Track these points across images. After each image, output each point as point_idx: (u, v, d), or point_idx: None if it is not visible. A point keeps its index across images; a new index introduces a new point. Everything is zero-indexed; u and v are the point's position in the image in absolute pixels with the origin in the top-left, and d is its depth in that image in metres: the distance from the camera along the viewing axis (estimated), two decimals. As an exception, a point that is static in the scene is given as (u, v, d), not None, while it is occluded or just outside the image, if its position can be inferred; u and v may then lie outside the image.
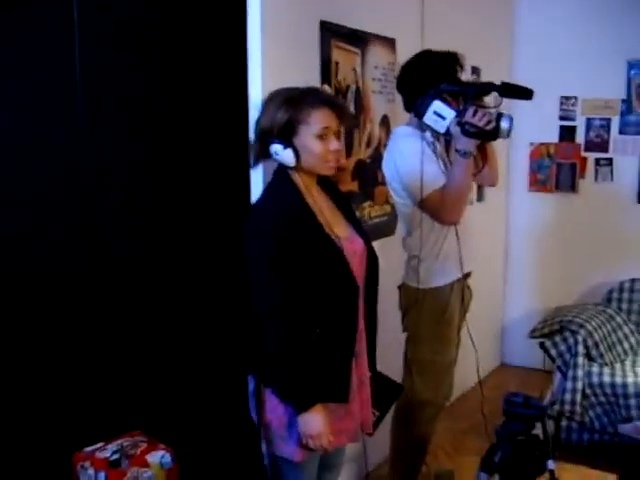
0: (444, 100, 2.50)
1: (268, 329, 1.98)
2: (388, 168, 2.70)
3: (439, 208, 2.57)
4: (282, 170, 2.07)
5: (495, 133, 2.48)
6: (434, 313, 2.73)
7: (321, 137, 1.99)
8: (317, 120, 1.98)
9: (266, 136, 2.00)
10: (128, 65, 2.29)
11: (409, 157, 2.58)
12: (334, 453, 2.25)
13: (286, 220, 1.96)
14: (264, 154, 2.06)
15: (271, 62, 2.42)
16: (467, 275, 2.82)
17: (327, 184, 2.20)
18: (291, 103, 1.98)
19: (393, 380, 2.41)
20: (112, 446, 2.15)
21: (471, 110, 2.42)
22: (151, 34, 2.35)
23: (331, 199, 2.19)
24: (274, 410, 2.05)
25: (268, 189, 2.11)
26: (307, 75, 2.64)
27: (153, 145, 2.40)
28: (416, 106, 2.53)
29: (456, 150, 2.49)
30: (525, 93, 2.50)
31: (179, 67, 2.40)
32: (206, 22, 2.45)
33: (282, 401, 2.03)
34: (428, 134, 2.63)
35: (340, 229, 2.11)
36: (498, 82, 2.54)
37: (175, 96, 2.42)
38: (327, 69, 2.74)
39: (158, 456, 2.15)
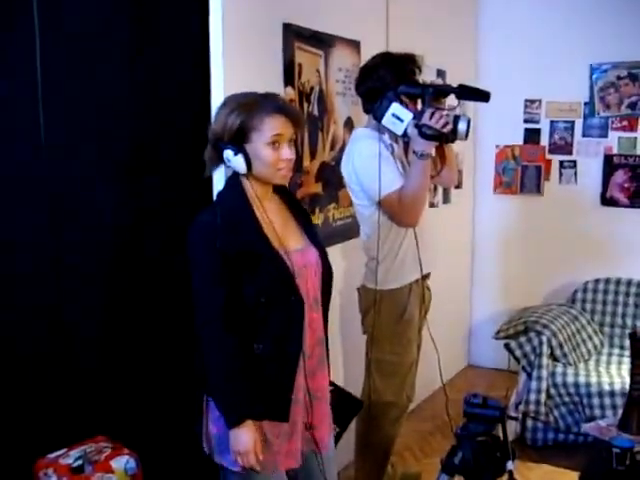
0: (402, 102, 2.51)
1: (205, 342, 1.91)
2: (346, 170, 2.71)
3: (397, 210, 2.59)
4: (235, 178, 2.00)
5: (452, 135, 2.51)
6: (393, 314, 2.74)
7: (273, 144, 1.93)
8: (269, 127, 1.92)
9: (218, 142, 1.95)
10: (89, 73, 2.28)
11: (367, 159, 2.59)
12: (308, 470, 2.12)
13: (230, 232, 1.90)
14: (218, 160, 1.99)
15: (233, 64, 2.41)
16: (426, 276, 2.83)
17: (284, 193, 2.13)
18: (244, 109, 1.92)
19: (353, 395, 2.35)
20: (75, 452, 2.13)
21: (428, 112, 2.45)
22: (114, 42, 2.34)
23: (287, 208, 2.11)
24: (218, 420, 1.97)
25: (217, 197, 2.05)
26: (270, 77, 2.64)
27: (115, 153, 2.39)
28: (374, 109, 2.55)
29: (414, 152, 2.51)
30: (482, 95, 2.52)
31: (141, 73, 2.39)
32: (168, 24, 2.43)
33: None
34: (386, 136, 2.64)
35: (293, 241, 2.04)
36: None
37: (138, 100, 2.40)
38: (290, 71, 2.74)
39: (122, 461, 2.13)
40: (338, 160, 3.13)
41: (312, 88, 2.90)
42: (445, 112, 2.51)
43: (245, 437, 1.88)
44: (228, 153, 1.92)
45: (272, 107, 1.94)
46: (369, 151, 2.59)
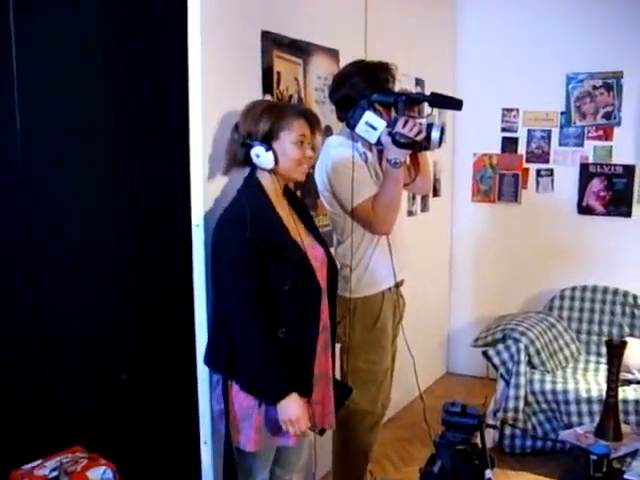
0: (376, 111, 2.52)
1: (237, 327, 2.10)
2: (320, 177, 2.72)
3: (370, 218, 2.60)
4: (253, 177, 2.22)
5: (426, 143, 2.52)
6: (366, 322, 2.73)
7: (298, 144, 2.19)
8: (297, 127, 2.18)
9: (248, 139, 2.16)
10: (66, 81, 2.26)
11: (340, 167, 2.60)
12: (288, 450, 2.37)
13: (256, 224, 2.08)
14: (242, 159, 2.20)
15: (212, 72, 2.39)
16: (400, 283, 2.83)
17: (288, 194, 2.35)
18: (274, 110, 2.19)
19: (342, 382, 2.56)
20: (51, 463, 2.11)
21: (402, 121, 2.45)
22: (92, 45, 2.33)
23: (292, 208, 2.33)
24: (232, 402, 2.17)
25: (239, 194, 2.22)
26: (249, 85, 2.63)
27: (95, 159, 2.37)
28: (348, 117, 2.55)
29: (387, 160, 2.52)
30: (455, 104, 2.53)
31: (120, 79, 2.38)
32: (146, 31, 2.42)
33: (239, 394, 2.15)
34: (360, 144, 2.64)
35: (304, 236, 2.27)
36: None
37: (115, 108, 2.39)
38: (269, 78, 2.73)
39: (99, 472, 2.12)
40: (317, 168, 3.14)
41: (291, 96, 2.89)
42: (418, 120, 2.52)
43: (294, 406, 2.09)
44: (259, 149, 2.15)
45: (298, 111, 2.24)
46: (342, 159, 2.59)
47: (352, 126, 2.53)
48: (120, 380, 2.49)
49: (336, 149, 2.66)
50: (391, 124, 2.47)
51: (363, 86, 2.57)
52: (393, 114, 2.55)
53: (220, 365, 2.23)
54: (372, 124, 2.50)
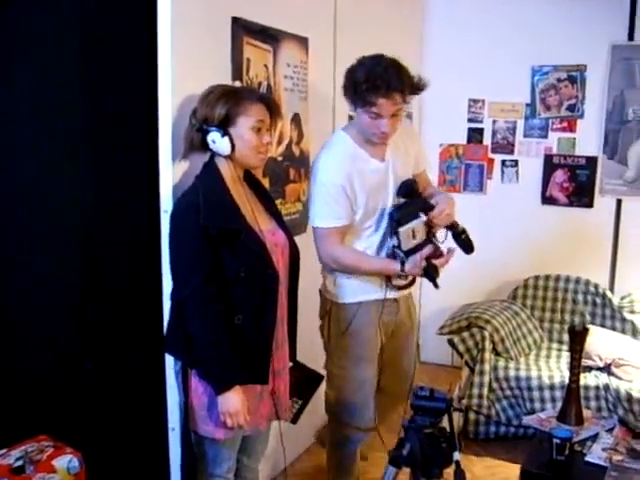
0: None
1: (191, 314, 2.08)
2: (312, 170, 2.65)
3: (319, 246, 2.58)
4: (211, 162, 2.19)
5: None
6: (338, 327, 2.70)
7: (256, 130, 2.15)
8: (254, 113, 2.14)
9: (205, 125, 2.12)
10: (29, 66, 2.23)
11: (318, 179, 2.54)
12: (255, 439, 2.41)
13: (209, 210, 2.06)
14: (198, 145, 2.17)
15: (181, 58, 2.38)
16: (407, 285, 2.74)
17: (250, 179, 2.32)
18: (232, 95, 2.15)
19: (313, 370, 2.54)
20: (16, 452, 2.08)
21: (443, 260, 2.52)
22: (60, 31, 2.29)
23: (254, 193, 2.31)
24: (195, 391, 2.17)
25: (197, 179, 2.19)
26: (218, 71, 2.62)
27: (60, 144, 2.34)
28: (399, 214, 2.51)
29: (401, 268, 2.49)
30: (468, 248, 2.69)
31: (84, 66, 2.34)
32: (114, 15, 2.39)
33: (202, 381, 2.15)
34: (362, 151, 2.56)
35: (263, 222, 2.24)
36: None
37: (80, 94, 2.35)
38: (238, 65, 2.72)
39: (65, 461, 2.10)
40: (285, 156, 3.14)
41: (260, 83, 2.88)
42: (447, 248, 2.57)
43: (234, 399, 2.08)
44: (215, 135, 2.12)
45: (257, 96, 2.21)
46: (326, 173, 2.52)
47: (398, 223, 2.49)
48: (85, 368, 2.46)
49: (329, 155, 2.58)
50: (432, 244, 2.51)
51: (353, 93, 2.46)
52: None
53: (180, 352, 2.23)
54: (415, 233, 2.50)
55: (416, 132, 2.81)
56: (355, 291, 2.65)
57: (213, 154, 2.21)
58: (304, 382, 2.46)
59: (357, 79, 2.40)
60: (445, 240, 2.58)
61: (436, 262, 2.46)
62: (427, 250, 2.45)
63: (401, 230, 2.47)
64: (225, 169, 2.19)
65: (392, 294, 2.67)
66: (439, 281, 2.52)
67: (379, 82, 2.36)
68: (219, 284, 2.08)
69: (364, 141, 2.57)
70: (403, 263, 2.46)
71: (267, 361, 2.20)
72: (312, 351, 2.71)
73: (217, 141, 2.12)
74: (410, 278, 2.68)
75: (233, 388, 2.09)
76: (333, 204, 2.50)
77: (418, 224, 2.49)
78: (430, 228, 2.55)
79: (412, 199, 2.56)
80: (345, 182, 2.49)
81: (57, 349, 2.39)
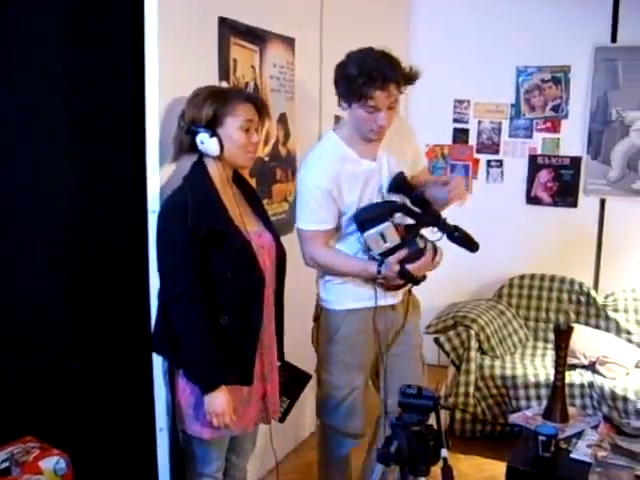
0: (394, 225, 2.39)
1: (178, 314, 2.09)
2: (299, 170, 2.61)
3: (302, 247, 2.53)
4: (200, 163, 2.19)
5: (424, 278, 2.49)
6: (327, 333, 2.65)
7: (245, 129, 2.15)
8: (243, 113, 2.15)
9: (193, 126, 2.12)
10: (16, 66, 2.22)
11: (303, 180, 2.49)
12: (243, 438, 2.41)
13: (197, 211, 2.06)
14: (188, 146, 2.17)
15: (169, 58, 2.37)
16: (394, 306, 2.66)
17: (239, 180, 2.33)
18: (219, 96, 2.15)
19: (301, 369, 2.55)
20: (1, 454, 2.08)
21: (417, 264, 2.38)
22: (43, 30, 2.28)
23: (242, 194, 2.32)
24: (183, 391, 2.18)
25: (185, 180, 2.19)
26: (205, 71, 2.62)
27: (47, 145, 2.33)
28: (362, 216, 2.39)
29: (378, 270, 2.40)
30: (470, 244, 2.53)
31: (72, 66, 2.34)
32: (101, 15, 2.38)
33: (189, 382, 2.15)
34: (352, 152, 2.48)
35: (250, 223, 2.24)
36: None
37: (68, 95, 2.35)
38: (225, 65, 2.72)
39: (52, 462, 2.10)
40: (272, 156, 3.15)
41: (247, 83, 2.89)
42: (430, 249, 2.42)
43: (220, 400, 2.09)
44: (203, 136, 2.12)
45: (244, 96, 2.22)
46: (311, 173, 2.47)
47: (363, 227, 2.38)
48: (71, 369, 2.46)
49: (316, 157, 2.52)
50: (404, 246, 2.36)
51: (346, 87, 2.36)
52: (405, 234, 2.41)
53: (167, 352, 2.24)
54: (385, 237, 2.36)
55: (411, 129, 2.71)
56: (344, 298, 2.59)
57: (202, 155, 2.20)
58: (292, 382, 2.47)
59: (350, 74, 2.33)
60: (440, 239, 2.46)
61: (410, 267, 2.37)
62: (399, 254, 2.36)
63: (366, 235, 2.38)
64: (214, 170, 2.19)
65: (387, 301, 2.59)
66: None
67: (374, 74, 2.29)
68: (206, 284, 2.09)
69: (356, 140, 2.49)
70: (379, 270, 2.40)
71: (252, 363, 2.20)
72: (302, 351, 2.71)
73: (206, 142, 2.12)
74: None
75: (219, 388, 2.09)
76: (317, 208, 2.46)
77: (386, 228, 2.35)
78: (414, 228, 2.45)
79: (389, 202, 2.47)
80: (331, 185, 2.43)
81: (43, 349, 2.38)
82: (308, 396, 2.89)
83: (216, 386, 2.09)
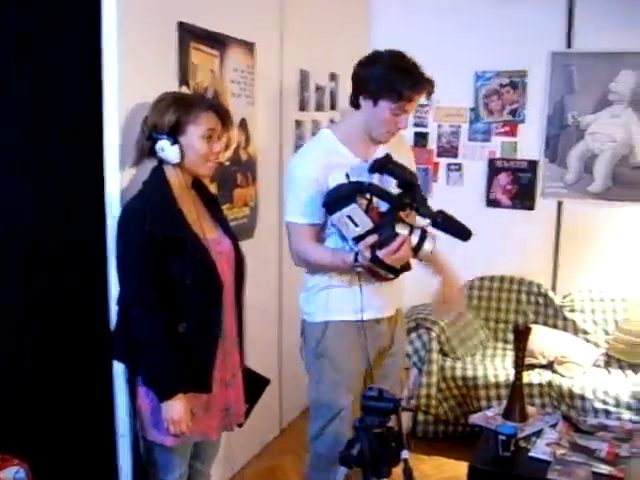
0: (365, 209, 2.20)
1: (135, 319, 2.09)
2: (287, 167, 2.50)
3: (289, 242, 2.45)
4: (159, 169, 2.18)
5: (414, 252, 2.23)
6: (309, 347, 2.52)
7: (206, 138, 2.14)
8: (205, 122, 2.14)
9: (155, 132, 2.11)
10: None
11: (293, 174, 2.40)
12: (207, 444, 2.40)
13: (155, 217, 2.06)
14: (148, 152, 2.16)
15: (128, 63, 2.36)
16: (379, 320, 2.54)
17: (198, 186, 2.32)
18: (182, 103, 2.14)
19: (259, 374, 2.52)
20: (-40, 467, 2.03)
21: (389, 250, 2.16)
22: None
23: (201, 200, 2.31)
24: (143, 397, 2.17)
25: (144, 186, 2.18)
26: (165, 76, 2.61)
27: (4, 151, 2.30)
28: (329, 199, 2.22)
29: (355, 258, 2.23)
30: (461, 233, 2.38)
31: (29, 71, 2.30)
32: (58, 21, 2.36)
33: (148, 388, 2.14)
34: (345, 149, 2.38)
35: (208, 230, 2.23)
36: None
37: (25, 100, 2.32)
38: (185, 70, 2.72)
39: (11, 472, 2.06)
40: (233, 160, 3.15)
41: (206, 88, 2.88)
42: (410, 235, 2.21)
43: (177, 407, 2.08)
44: (164, 143, 2.11)
45: (207, 104, 2.20)
46: (303, 169, 2.37)
47: (330, 210, 2.21)
48: (30, 374, 2.42)
49: (306, 150, 2.46)
50: (377, 232, 2.17)
51: (382, 86, 2.29)
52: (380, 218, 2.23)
53: (126, 358, 2.22)
54: (355, 220, 2.17)
55: (408, 143, 2.69)
56: (323, 309, 2.47)
57: (161, 161, 2.19)
58: (250, 387, 2.45)
59: (389, 72, 2.29)
60: (429, 225, 2.28)
61: (379, 253, 2.16)
62: (368, 240, 2.17)
63: (334, 219, 2.21)
64: (173, 176, 2.18)
65: (370, 314, 2.46)
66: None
67: (415, 78, 2.30)
68: (164, 291, 2.08)
69: (353, 139, 2.41)
70: (356, 259, 2.22)
71: (211, 370, 2.18)
72: (263, 356, 2.71)
73: (166, 149, 2.11)
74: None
75: (176, 396, 2.08)
76: (304, 200, 2.35)
77: (352, 210, 2.15)
78: (389, 211, 2.24)
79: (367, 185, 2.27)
80: (319, 175, 2.32)
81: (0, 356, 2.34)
82: (270, 400, 2.88)
83: (173, 394, 2.08)
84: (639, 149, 4.26)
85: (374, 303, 2.46)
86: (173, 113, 2.10)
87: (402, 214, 2.25)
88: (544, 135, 4.45)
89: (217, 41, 2.95)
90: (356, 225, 2.17)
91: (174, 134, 2.11)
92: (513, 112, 4.52)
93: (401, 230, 2.20)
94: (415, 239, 2.21)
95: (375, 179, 2.35)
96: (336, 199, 2.20)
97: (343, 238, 2.30)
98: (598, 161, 4.34)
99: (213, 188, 2.98)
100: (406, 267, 2.33)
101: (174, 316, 2.09)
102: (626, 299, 4.13)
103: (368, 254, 2.19)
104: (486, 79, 4.55)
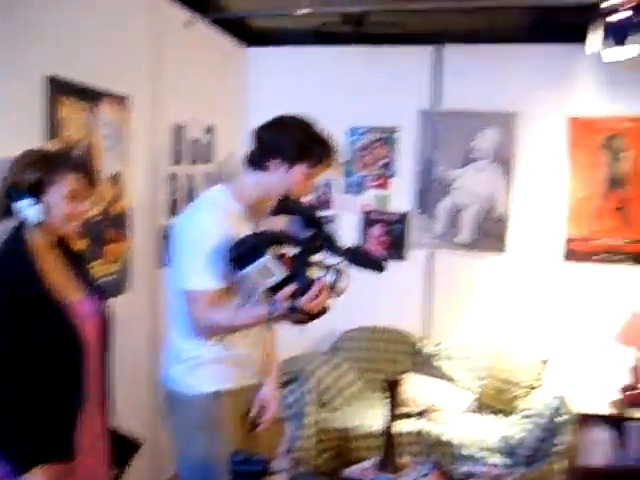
0: (279, 257, 2.12)
1: None
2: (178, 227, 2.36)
3: (193, 313, 2.26)
4: (18, 230, 2.06)
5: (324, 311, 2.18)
6: (190, 420, 2.38)
7: (70, 198, 2.05)
8: (68, 183, 2.04)
9: (14, 191, 2.01)
10: None
11: (201, 232, 2.24)
12: None
13: (14, 280, 1.97)
14: (7, 212, 2.05)
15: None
16: (246, 388, 2.46)
17: (62, 244, 2.21)
18: (45, 161, 2.04)
19: (131, 436, 2.41)
20: None
21: (308, 298, 2.08)
22: None
23: (66, 260, 2.20)
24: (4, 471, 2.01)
25: (2, 246, 2.06)
26: (32, 131, 2.54)
27: None
28: (239, 252, 2.10)
29: (269, 312, 2.16)
30: (375, 265, 2.35)
31: None
32: None
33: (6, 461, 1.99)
34: (242, 210, 2.31)
35: (72, 290, 2.13)
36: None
37: None
38: (53, 124, 2.65)
39: None
40: (104, 216, 3.08)
41: (77, 142, 2.81)
42: (324, 279, 2.14)
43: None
44: (23, 203, 2.00)
45: (71, 164, 2.09)
46: (205, 230, 2.23)
47: (238, 265, 2.10)
48: None
49: (204, 208, 2.31)
50: (295, 281, 2.10)
51: (293, 150, 2.29)
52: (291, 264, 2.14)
53: None
54: (272, 270, 2.08)
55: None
56: (204, 378, 2.35)
57: (23, 220, 2.11)
58: (120, 450, 2.33)
59: (307, 138, 2.33)
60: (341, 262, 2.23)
61: (300, 302, 2.08)
62: (286, 290, 2.09)
63: (244, 274, 2.10)
64: (34, 236, 2.08)
65: (244, 382, 2.42)
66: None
67: (331, 145, 2.34)
68: (24, 356, 1.98)
69: (246, 200, 2.35)
70: (270, 312, 2.15)
71: (71, 435, 2.07)
72: (134, 418, 2.63)
73: (25, 209, 2.02)
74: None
75: (35, 469, 1.96)
76: (206, 261, 2.20)
77: (267, 261, 2.07)
78: (299, 256, 2.17)
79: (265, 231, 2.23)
80: (218, 233, 2.20)
81: None
82: (143, 464, 2.79)
83: (31, 466, 1.96)
84: (502, 202, 4.53)
85: (248, 367, 2.45)
86: (34, 172, 2.01)
87: (314, 257, 2.20)
88: (414, 188, 4.64)
89: (88, 94, 2.90)
90: (272, 275, 2.08)
91: (36, 193, 2.02)
92: (384, 166, 4.69)
93: (318, 273, 2.15)
94: (331, 279, 2.16)
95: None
96: (244, 252, 2.09)
97: (247, 293, 2.24)
98: (465, 214, 4.57)
99: (83, 244, 2.90)
100: (323, 310, 2.20)
101: (36, 381, 1.99)
102: (495, 346, 4.31)
103: (287, 304, 2.11)
104: (360, 134, 4.71)
